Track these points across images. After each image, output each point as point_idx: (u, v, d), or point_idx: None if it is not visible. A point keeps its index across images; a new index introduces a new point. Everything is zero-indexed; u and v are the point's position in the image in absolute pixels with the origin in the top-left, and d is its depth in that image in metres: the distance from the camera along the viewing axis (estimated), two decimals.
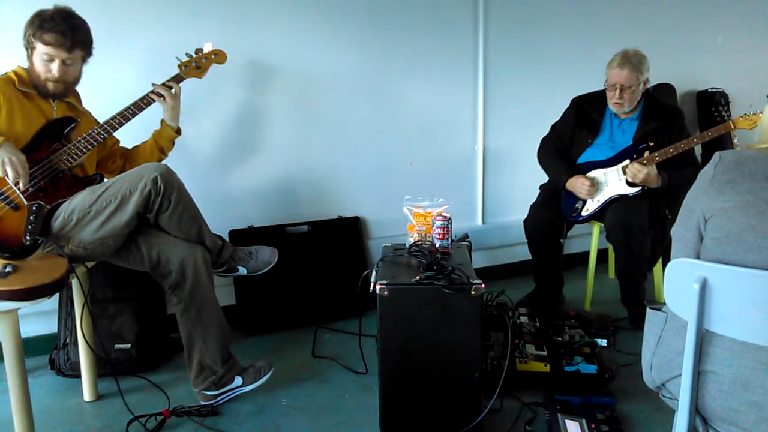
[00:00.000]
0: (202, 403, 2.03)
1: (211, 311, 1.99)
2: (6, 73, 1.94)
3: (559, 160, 2.78)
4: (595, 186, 2.65)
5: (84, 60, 2.01)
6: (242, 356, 2.13)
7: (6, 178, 1.75)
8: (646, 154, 2.56)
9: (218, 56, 2.33)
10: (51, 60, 1.90)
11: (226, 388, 2.04)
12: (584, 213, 2.71)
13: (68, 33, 1.89)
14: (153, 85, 2.15)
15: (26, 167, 1.78)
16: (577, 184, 2.67)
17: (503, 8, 3.17)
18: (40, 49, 1.89)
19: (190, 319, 1.97)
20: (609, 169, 2.66)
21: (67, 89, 2.00)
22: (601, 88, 2.70)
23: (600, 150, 2.71)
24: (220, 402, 2.04)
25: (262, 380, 2.08)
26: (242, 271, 2.12)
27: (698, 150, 3.31)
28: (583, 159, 2.75)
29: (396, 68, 2.99)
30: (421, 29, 3.01)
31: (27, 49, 1.93)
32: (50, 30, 1.87)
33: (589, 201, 2.70)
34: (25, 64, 1.96)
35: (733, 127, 2.52)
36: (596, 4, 3.40)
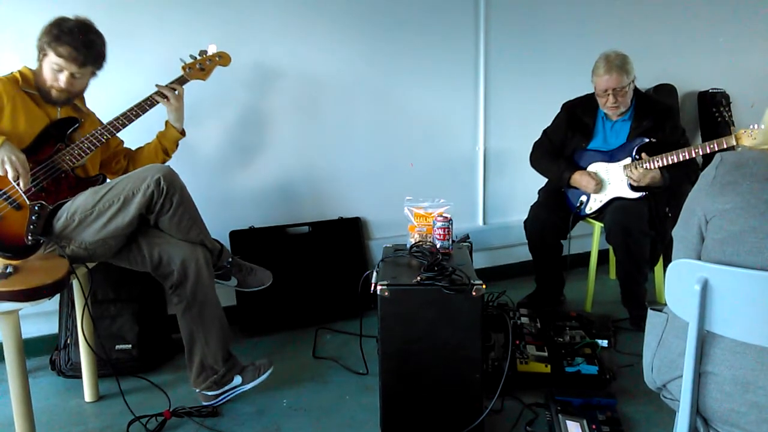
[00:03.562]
0: (203, 403, 2.04)
1: (213, 310, 1.99)
2: (11, 72, 1.94)
3: (555, 160, 2.79)
4: (600, 183, 2.66)
5: (93, 74, 2.01)
6: (243, 357, 2.12)
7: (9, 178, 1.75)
8: (644, 155, 2.55)
9: (222, 58, 2.34)
10: (60, 71, 1.91)
11: (226, 388, 2.03)
12: (587, 210, 2.72)
13: (82, 49, 1.89)
14: (157, 86, 2.15)
15: (27, 167, 1.78)
16: (582, 181, 2.68)
17: (504, 9, 3.16)
18: (52, 58, 1.89)
19: (192, 318, 1.97)
20: (610, 166, 2.66)
21: (70, 98, 2.00)
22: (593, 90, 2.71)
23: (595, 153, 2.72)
24: (221, 402, 2.04)
25: (262, 378, 2.07)
26: (233, 282, 2.13)
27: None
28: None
29: (397, 69, 2.99)
30: (423, 30, 3.01)
31: (39, 53, 1.92)
32: (66, 43, 1.87)
33: (593, 197, 2.70)
34: (31, 65, 1.96)
35: (735, 143, 2.45)
36: (597, 5, 3.40)
